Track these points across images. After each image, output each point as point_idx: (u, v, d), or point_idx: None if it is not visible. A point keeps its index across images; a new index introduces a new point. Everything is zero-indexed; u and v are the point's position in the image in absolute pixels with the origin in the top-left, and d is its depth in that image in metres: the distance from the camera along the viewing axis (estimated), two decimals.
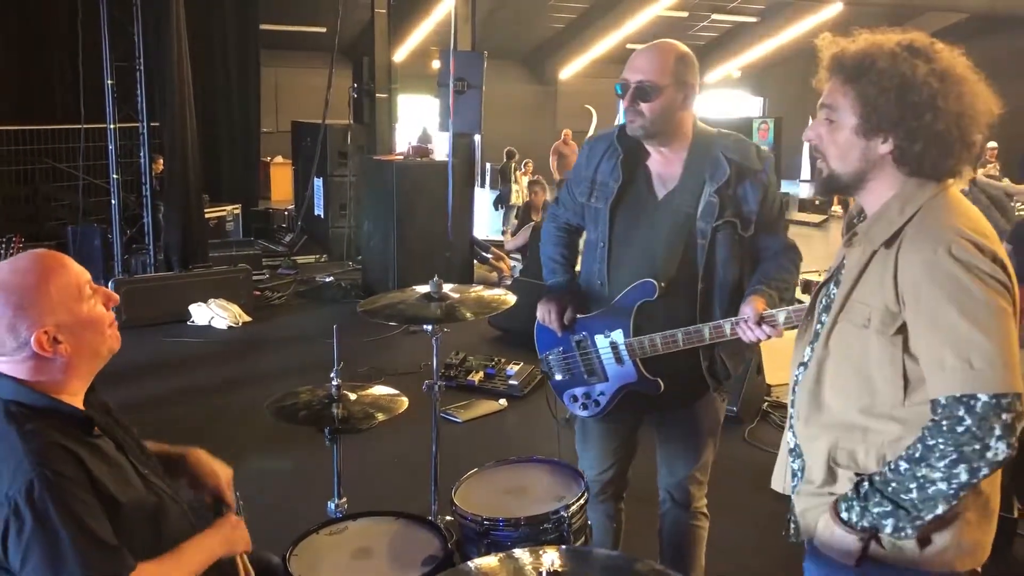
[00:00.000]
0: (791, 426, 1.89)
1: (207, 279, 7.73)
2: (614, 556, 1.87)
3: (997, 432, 1.53)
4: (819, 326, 1.84)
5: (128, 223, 8.41)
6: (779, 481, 1.96)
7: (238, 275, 8.01)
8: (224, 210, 11.01)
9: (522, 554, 1.73)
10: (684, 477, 2.77)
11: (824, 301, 1.86)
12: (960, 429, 1.55)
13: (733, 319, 2.42)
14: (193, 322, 7.48)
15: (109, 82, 7.64)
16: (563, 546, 2.11)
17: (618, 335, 2.57)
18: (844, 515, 1.70)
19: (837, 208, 15.47)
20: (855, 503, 1.69)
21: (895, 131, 1.66)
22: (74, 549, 1.58)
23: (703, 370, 2.59)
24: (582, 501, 2.43)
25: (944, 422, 1.57)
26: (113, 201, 8.09)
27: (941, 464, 1.57)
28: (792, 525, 1.89)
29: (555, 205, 2.87)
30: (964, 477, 1.56)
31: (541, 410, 2.88)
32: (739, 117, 22.33)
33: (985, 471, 1.55)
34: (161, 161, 8.68)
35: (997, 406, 1.53)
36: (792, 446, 1.89)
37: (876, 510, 1.65)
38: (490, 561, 1.74)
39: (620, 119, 2.68)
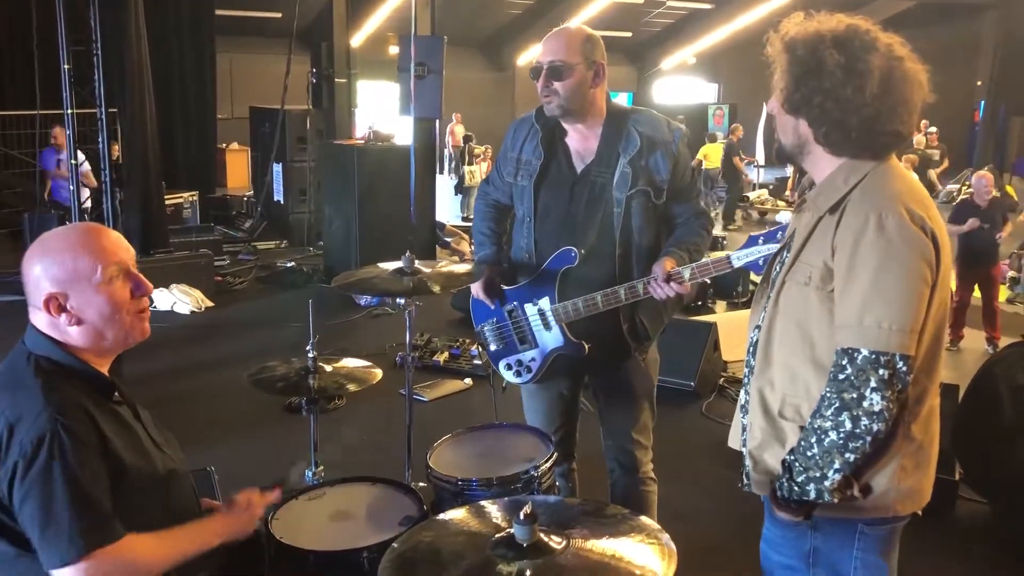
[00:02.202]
0: (745, 385, 2.03)
1: (168, 264, 7.72)
2: (584, 502, 1.99)
3: (872, 384, 1.69)
4: (772, 290, 1.97)
5: (86, 209, 8.33)
6: (735, 439, 2.09)
7: (199, 260, 8.02)
8: (181, 197, 10.93)
9: (491, 506, 1.87)
10: (626, 441, 2.90)
11: (778, 267, 1.99)
12: (841, 377, 1.72)
13: (645, 279, 2.60)
14: (155, 307, 7.45)
15: (66, 67, 7.54)
16: (531, 495, 2.22)
17: (545, 302, 2.73)
18: (779, 493, 1.83)
19: (781, 203, 15.17)
20: (784, 480, 1.83)
21: (805, 113, 1.82)
22: (67, 507, 1.69)
23: (624, 332, 2.75)
24: (551, 462, 2.54)
25: (831, 370, 1.75)
26: (71, 187, 8.01)
27: (829, 412, 1.73)
28: (746, 476, 2.02)
29: (485, 184, 3.03)
30: (848, 426, 1.71)
31: (506, 389, 3.01)
32: (694, 103, 22.62)
33: (865, 422, 1.70)
34: (116, 147, 8.60)
35: (876, 362, 1.68)
36: (743, 403, 2.02)
37: (799, 478, 1.79)
38: (460, 513, 1.87)
39: None
